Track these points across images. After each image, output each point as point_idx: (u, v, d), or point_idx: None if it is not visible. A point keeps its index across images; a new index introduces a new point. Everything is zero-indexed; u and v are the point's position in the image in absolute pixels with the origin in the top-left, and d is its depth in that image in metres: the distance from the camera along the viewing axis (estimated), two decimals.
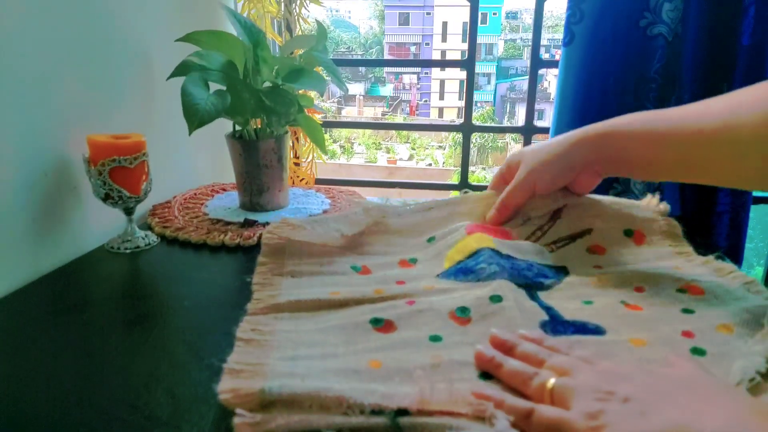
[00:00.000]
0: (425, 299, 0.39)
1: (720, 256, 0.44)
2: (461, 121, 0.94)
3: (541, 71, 0.93)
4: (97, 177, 0.51)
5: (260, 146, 0.62)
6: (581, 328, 0.35)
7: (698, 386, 0.26)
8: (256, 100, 0.59)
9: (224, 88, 0.58)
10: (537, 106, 1.21)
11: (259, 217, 0.62)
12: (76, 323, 0.41)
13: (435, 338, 0.35)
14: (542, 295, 0.40)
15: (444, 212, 0.52)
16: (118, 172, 0.52)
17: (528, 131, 0.91)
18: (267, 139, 0.63)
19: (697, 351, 0.32)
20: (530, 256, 0.45)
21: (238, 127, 0.65)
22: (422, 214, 0.52)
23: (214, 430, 0.29)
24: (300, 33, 0.91)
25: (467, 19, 0.92)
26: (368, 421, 0.26)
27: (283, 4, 0.89)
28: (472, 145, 1.26)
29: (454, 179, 1.18)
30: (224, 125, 0.66)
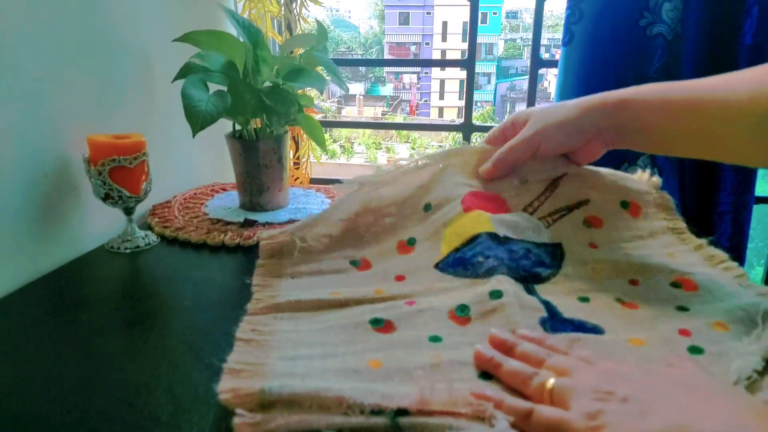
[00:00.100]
0: (425, 299, 0.39)
1: (712, 241, 0.44)
2: (461, 120, 0.94)
3: (541, 71, 0.93)
4: (97, 177, 0.51)
5: (260, 146, 0.62)
6: (580, 327, 0.35)
7: (698, 386, 0.26)
8: (257, 99, 0.59)
9: (224, 88, 0.58)
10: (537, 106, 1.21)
11: (259, 217, 0.62)
12: (76, 323, 0.41)
13: (435, 339, 0.34)
14: (539, 289, 0.39)
15: (437, 166, 0.50)
16: (118, 172, 0.52)
17: None
18: (267, 138, 0.63)
19: (695, 349, 0.32)
20: (527, 233, 0.44)
21: (238, 127, 0.65)
22: (417, 174, 0.50)
23: (214, 430, 0.29)
24: (300, 32, 0.91)
25: (467, 18, 0.92)
26: (368, 421, 0.26)
27: (283, 3, 0.89)
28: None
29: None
30: (224, 125, 0.66)
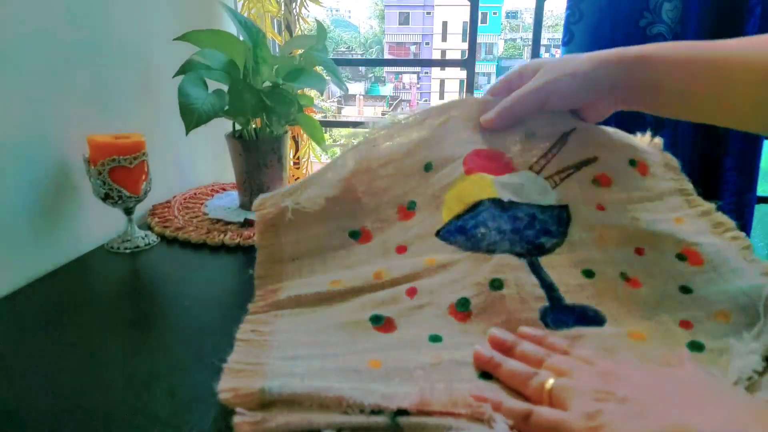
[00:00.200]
0: (426, 283, 0.38)
1: (719, 207, 0.42)
2: None
3: None
4: (96, 177, 0.51)
5: (260, 146, 0.62)
6: (581, 316, 0.34)
7: (698, 387, 0.26)
8: (257, 99, 0.59)
9: (225, 86, 0.58)
10: None
11: None
12: (76, 323, 0.41)
13: (435, 338, 0.34)
14: (544, 262, 0.38)
15: (439, 119, 0.46)
16: (118, 172, 0.52)
17: None
18: (267, 138, 0.63)
19: (696, 345, 0.32)
20: (533, 196, 0.41)
21: (238, 127, 0.65)
22: (416, 129, 0.46)
23: (214, 430, 0.29)
24: (300, 33, 0.91)
25: (467, 18, 0.92)
26: (368, 420, 0.26)
27: (283, 3, 0.89)
28: None
29: None
30: (224, 125, 0.66)
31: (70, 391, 0.33)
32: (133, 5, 0.63)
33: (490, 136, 0.45)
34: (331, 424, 0.26)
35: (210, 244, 0.56)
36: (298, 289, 0.39)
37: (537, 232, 0.39)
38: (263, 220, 0.43)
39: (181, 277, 0.50)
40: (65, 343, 0.38)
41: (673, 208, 0.42)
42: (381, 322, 0.36)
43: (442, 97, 20.22)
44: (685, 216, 0.41)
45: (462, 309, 0.36)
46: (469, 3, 0.88)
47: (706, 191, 0.45)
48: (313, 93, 0.80)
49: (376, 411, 0.26)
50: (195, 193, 0.73)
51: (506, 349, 0.32)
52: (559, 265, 0.38)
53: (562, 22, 0.75)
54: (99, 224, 0.57)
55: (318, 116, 0.81)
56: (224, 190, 0.75)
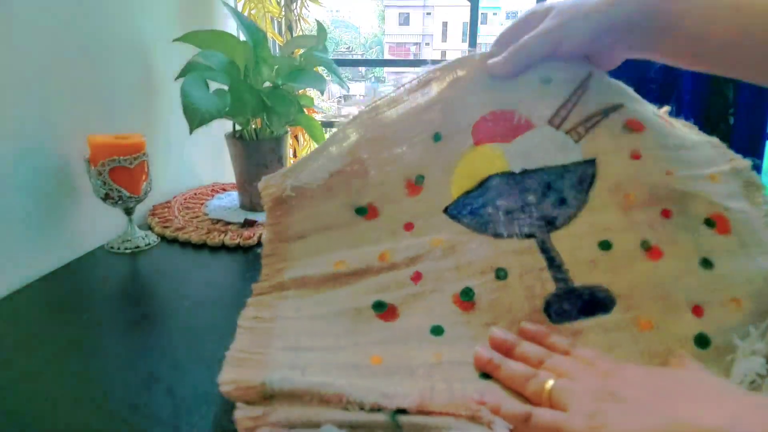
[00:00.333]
0: (432, 268, 0.37)
1: (755, 165, 0.40)
2: None
3: None
4: (97, 177, 0.51)
5: (260, 146, 0.62)
6: (589, 302, 0.33)
7: (699, 385, 0.26)
8: (257, 100, 0.59)
9: (226, 87, 0.58)
10: None
11: (259, 217, 0.62)
12: (76, 323, 0.41)
13: (437, 330, 0.34)
14: (557, 236, 0.36)
15: (445, 81, 0.43)
16: (118, 172, 0.52)
17: None
18: (267, 139, 0.63)
19: (702, 340, 0.31)
20: (552, 156, 0.38)
21: (238, 127, 0.65)
22: (422, 93, 0.44)
23: (214, 430, 0.29)
24: (300, 33, 0.91)
25: (467, 19, 0.92)
26: (368, 417, 0.26)
27: (283, 4, 0.89)
28: None
29: None
30: (224, 125, 0.66)
31: (70, 391, 0.33)
32: (133, 5, 0.63)
33: (501, 90, 0.41)
34: (332, 420, 0.26)
35: (210, 244, 0.56)
36: (304, 269, 0.39)
37: (551, 203, 0.37)
38: (271, 198, 0.42)
39: (182, 277, 0.50)
40: (65, 343, 0.38)
41: (707, 161, 0.39)
42: (383, 309, 0.35)
43: None
44: (720, 173, 0.38)
45: (466, 298, 0.35)
46: (469, 3, 0.88)
47: None
48: (313, 93, 0.80)
49: (376, 408, 0.26)
50: (195, 194, 0.73)
51: (507, 349, 0.32)
52: (573, 237, 0.35)
53: None
54: (99, 224, 0.57)
55: (318, 116, 0.81)
56: (224, 190, 0.75)
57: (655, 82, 0.71)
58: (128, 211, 0.55)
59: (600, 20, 0.38)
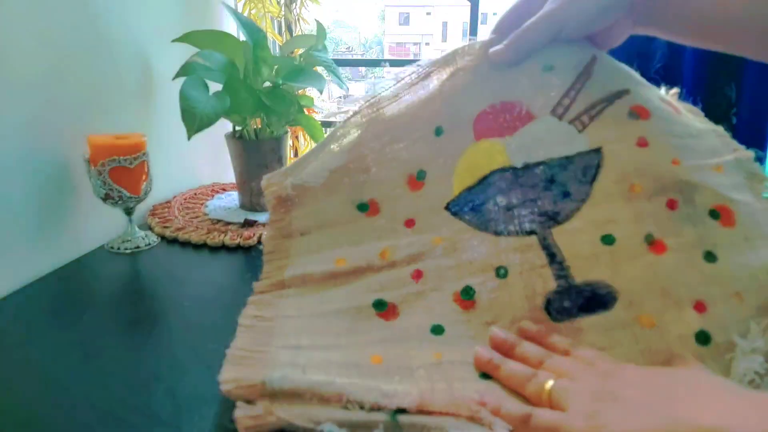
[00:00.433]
0: (433, 265, 0.37)
1: (758, 157, 0.40)
2: None
3: None
4: (97, 177, 0.51)
5: (260, 146, 0.62)
6: (590, 299, 0.33)
7: (699, 384, 0.26)
8: (256, 100, 0.59)
9: (225, 88, 0.58)
10: None
11: (259, 218, 0.62)
12: (76, 323, 0.41)
13: (437, 330, 0.34)
14: (559, 230, 0.35)
15: (445, 72, 0.42)
16: (118, 172, 0.52)
17: None
18: (267, 139, 0.63)
19: (703, 337, 0.31)
20: (555, 148, 0.37)
21: (238, 127, 0.65)
22: (422, 84, 0.43)
23: (215, 430, 0.29)
24: (300, 33, 0.91)
25: (467, 18, 0.92)
26: (368, 417, 0.26)
27: (283, 4, 0.89)
28: None
29: None
30: (224, 125, 0.66)
31: (70, 391, 0.33)
32: (133, 5, 0.63)
33: (502, 81, 0.40)
34: (332, 419, 0.26)
35: (210, 244, 0.56)
36: (304, 267, 0.39)
37: (554, 197, 0.36)
38: (274, 196, 0.42)
39: (182, 277, 0.50)
40: (65, 343, 0.38)
41: (712, 151, 0.38)
42: (384, 308, 0.35)
43: None
44: (724, 164, 0.38)
45: (467, 297, 0.35)
46: (469, 3, 0.88)
47: None
48: (313, 93, 0.80)
49: (376, 408, 0.26)
50: (195, 194, 0.73)
51: (507, 349, 0.32)
52: (575, 232, 0.35)
53: None
54: (99, 224, 0.57)
55: (319, 116, 0.81)
56: (224, 190, 0.75)
57: (656, 82, 0.71)
58: (128, 211, 0.55)
59: (602, 2, 0.37)
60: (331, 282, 0.38)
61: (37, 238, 0.50)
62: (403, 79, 0.43)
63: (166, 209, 0.65)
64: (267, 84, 0.62)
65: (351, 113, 0.43)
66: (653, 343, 0.31)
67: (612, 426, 0.24)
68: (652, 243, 0.34)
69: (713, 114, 0.41)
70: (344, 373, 0.29)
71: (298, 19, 0.96)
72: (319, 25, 0.66)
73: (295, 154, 0.96)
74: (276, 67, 0.62)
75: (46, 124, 0.51)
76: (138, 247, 0.55)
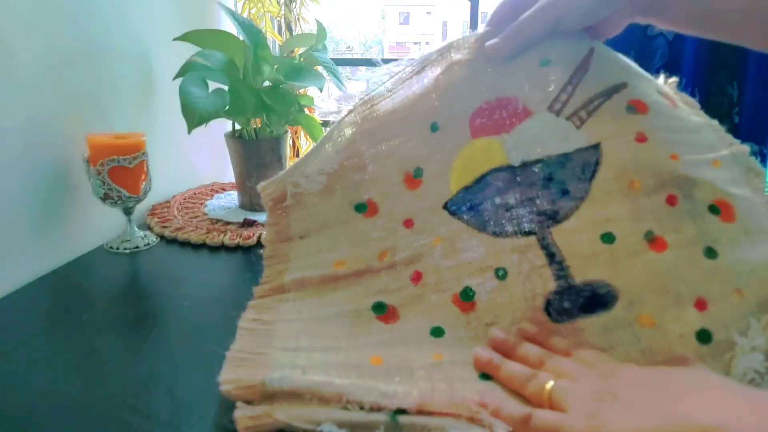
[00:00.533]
0: (431, 267, 0.37)
1: (754, 152, 0.40)
2: None
3: None
4: (96, 177, 0.51)
5: (260, 146, 0.62)
6: (590, 299, 0.33)
7: (699, 382, 0.26)
8: (256, 99, 0.59)
9: (225, 86, 0.58)
10: None
11: (259, 217, 0.62)
12: (75, 323, 0.41)
13: (437, 332, 0.34)
14: (558, 230, 0.35)
15: (440, 67, 0.42)
16: (118, 172, 0.52)
17: None
18: (267, 138, 0.63)
19: (704, 335, 0.31)
20: (553, 145, 0.37)
21: (237, 127, 0.65)
22: (417, 79, 0.42)
23: (214, 430, 0.29)
24: (300, 32, 0.91)
25: (467, 18, 0.92)
26: (368, 417, 0.26)
27: (283, 3, 0.89)
28: None
29: None
30: (224, 125, 0.66)
31: (69, 391, 0.33)
32: (133, 5, 0.63)
33: (498, 75, 0.40)
34: (331, 419, 0.26)
35: (210, 244, 0.56)
36: (303, 270, 0.39)
37: (552, 196, 0.36)
38: (271, 198, 0.42)
39: (181, 277, 0.50)
40: (65, 343, 0.38)
41: (710, 146, 0.38)
42: (384, 311, 0.35)
43: None
44: (721, 159, 0.37)
45: (466, 299, 0.35)
46: (469, 2, 0.88)
47: None
48: (314, 92, 0.80)
49: (376, 408, 0.26)
50: (194, 193, 0.72)
51: (507, 350, 0.32)
52: (575, 231, 0.34)
53: None
54: (98, 224, 0.57)
55: (316, 115, 0.81)
56: (224, 190, 0.75)
57: None
58: (127, 211, 0.55)
59: None
60: (331, 285, 0.38)
61: (36, 238, 0.50)
62: (397, 74, 0.42)
63: (166, 209, 0.65)
64: (267, 83, 0.62)
65: (346, 112, 0.43)
66: (654, 342, 0.31)
67: (612, 426, 0.24)
68: (653, 240, 0.33)
69: (715, 113, 0.41)
70: (344, 374, 0.29)
71: (298, 19, 0.96)
72: (319, 25, 0.66)
73: (297, 154, 0.96)
74: (276, 66, 0.62)
75: (46, 124, 0.51)
76: (137, 247, 0.55)
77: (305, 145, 1.04)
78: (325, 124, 0.93)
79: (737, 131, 0.81)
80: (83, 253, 0.54)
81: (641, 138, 0.36)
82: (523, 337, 0.33)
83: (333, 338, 0.33)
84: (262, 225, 0.60)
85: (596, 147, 0.36)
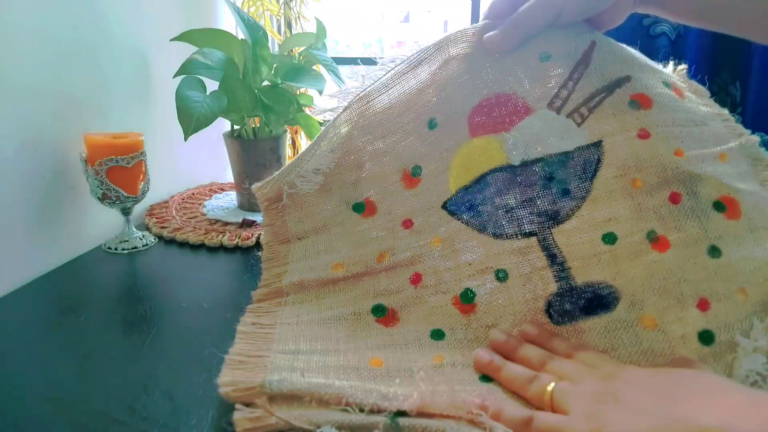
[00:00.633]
0: (431, 268, 0.37)
1: (765, 142, 0.39)
2: None
3: None
4: (94, 177, 0.51)
5: (259, 146, 0.62)
6: (591, 301, 0.32)
7: (701, 384, 0.26)
8: (255, 99, 0.59)
9: (224, 86, 0.58)
10: None
11: (258, 218, 0.62)
12: (73, 324, 0.40)
13: (437, 335, 0.34)
14: (559, 230, 0.34)
15: (437, 61, 0.41)
16: (116, 172, 0.51)
17: None
18: (265, 138, 0.62)
19: (707, 337, 0.31)
20: (553, 143, 0.36)
21: (236, 126, 0.65)
22: (413, 75, 0.41)
23: None
24: (300, 31, 0.91)
25: (468, 17, 0.92)
26: (368, 419, 0.26)
27: (282, 2, 0.89)
28: None
29: None
30: (223, 124, 0.66)
31: (67, 393, 0.32)
32: (131, 4, 0.62)
33: (497, 71, 0.39)
34: (331, 421, 0.26)
35: (208, 244, 0.56)
36: (302, 273, 0.39)
37: (553, 196, 0.35)
38: (266, 198, 0.42)
39: (179, 278, 0.49)
40: (62, 344, 0.38)
41: (717, 139, 0.37)
42: (383, 314, 0.35)
43: None
44: (729, 151, 0.36)
45: (466, 301, 0.35)
46: (470, 1, 0.87)
47: None
48: (314, 92, 0.80)
49: (376, 410, 0.26)
50: (193, 194, 0.72)
51: (508, 351, 0.31)
52: (576, 231, 0.34)
53: None
54: (96, 224, 0.57)
55: (312, 114, 0.81)
56: (222, 190, 0.75)
57: None
58: (125, 211, 0.55)
59: None
60: (330, 288, 0.38)
61: (33, 238, 0.50)
62: (392, 69, 0.42)
63: (164, 209, 0.65)
64: (266, 83, 0.62)
65: (341, 109, 0.42)
66: (655, 344, 0.31)
67: (614, 427, 0.24)
68: (655, 240, 0.33)
69: None
70: (343, 376, 0.29)
71: (299, 17, 0.95)
72: (319, 24, 0.65)
73: (297, 154, 0.96)
74: (275, 65, 0.62)
75: (43, 123, 0.50)
76: (135, 247, 0.55)
77: (305, 144, 1.04)
78: (323, 124, 0.93)
79: (745, 94, 0.79)
80: (81, 254, 0.54)
81: (644, 134, 0.35)
82: (524, 338, 0.32)
83: (332, 341, 0.33)
84: (261, 226, 0.60)
85: (597, 145, 0.35)
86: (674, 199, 0.34)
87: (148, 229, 0.60)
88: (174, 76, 0.55)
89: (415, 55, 0.42)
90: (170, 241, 0.57)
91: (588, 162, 0.35)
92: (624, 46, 0.39)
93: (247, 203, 0.64)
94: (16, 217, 0.48)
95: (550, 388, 0.27)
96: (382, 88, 0.42)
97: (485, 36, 0.38)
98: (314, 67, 0.65)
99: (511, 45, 0.38)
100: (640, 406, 0.24)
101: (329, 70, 0.65)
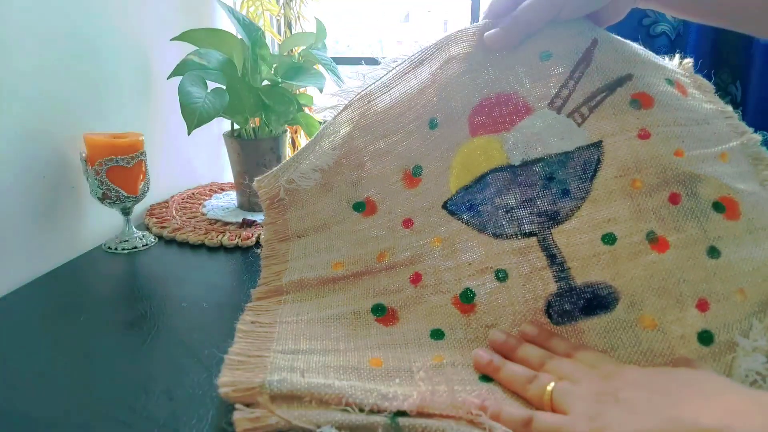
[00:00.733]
0: (431, 267, 0.37)
1: (767, 141, 0.39)
2: None
3: None
4: (94, 177, 0.51)
5: (259, 145, 0.62)
6: (591, 301, 0.32)
7: (701, 384, 0.26)
8: (255, 98, 0.59)
9: (223, 86, 0.58)
10: None
11: (258, 218, 0.62)
12: (73, 324, 0.40)
13: (437, 335, 0.34)
14: (559, 231, 0.34)
15: (438, 61, 0.41)
16: (116, 172, 0.51)
17: None
18: (265, 138, 0.62)
19: (705, 336, 0.31)
20: (552, 144, 0.36)
21: (236, 126, 0.65)
22: (414, 75, 0.41)
23: None
24: (300, 31, 0.91)
25: (468, 16, 0.92)
26: (367, 419, 0.26)
27: (282, 3, 0.89)
28: None
29: None
30: (223, 124, 0.66)
31: (67, 392, 0.32)
32: (131, 4, 0.62)
33: (498, 70, 0.39)
34: (331, 421, 0.26)
35: (208, 244, 0.56)
36: (301, 272, 0.38)
37: (553, 196, 0.35)
38: (267, 196, 0.42)
39: (179, 278, 0.49)
40: (62, 343, 0.38)
41: (718, 138, 0.37)
42: (383, 313, 0.35)
43: None
44: (729, 151, 0.36)
45: (466, 301, 0.35)
46: (469, 1, 0.87)
47: None
48: (314, 91, 0.80)
49: (376, 410, 0.26)
50: (193, 194, 0.72)
51: (507, 351, 0.31)
52: (575, 231, 0.34)
53: None
54: (96, 224, 0.57)
55: (312, 113, 0.81)
56: (222, 190, 0.75)
57: None
58: (125, 211, 0.55)
59: None
60: (330, 287, 0.38)
61: (33, 238, 0.50)
62: (393, 68, 0.42)
63: (164, 209, 0.65)
64: (266, 82, 0.62)
65: (342, 108, 0.42)
66: (655, 344, 0.31)
67: (614, 427, 0.24)
68: (654, 240, 0.33)
69: None
70: (343, 376, 0.29)
71: (298, 17, 0.95)
72: (319, 23, 0.65)
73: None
74: (275, 65, 0.62)
75: (43, 123, 0.50)
76: (135, 247, 0.55)
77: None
78: (323, 123, 0.93)
79: (747, 92, 0.79)
80: (81, 254, 0.54)
81: (644, 134, 0.35)
82: (524, 338, 0.32)
83: (332, 340, 0.33)
84: (261, 225, 0.60)
85: (597, 145, 0.35)
86: (674, 199, 0.34)
87: (148, 229, 0.60)
88: (168, 77, 0.55)
89: (416, 55, 0.42)
90: (170, 241, 0.57)
91: (588, 162, 0.35)
92: (627, 42, 0.39)
93: (247, 203, 0.64)
94: (16, 217, 0.48)
95: (549, 388, 0.27)
96: (383, 87, 0.42)
97: (486, 34, 0.38)
98: (314, 67, 0.65)
99: (511, 42, 0.37)
100: (640, 406, 0.24)
101: (329, 70, 0.65)
